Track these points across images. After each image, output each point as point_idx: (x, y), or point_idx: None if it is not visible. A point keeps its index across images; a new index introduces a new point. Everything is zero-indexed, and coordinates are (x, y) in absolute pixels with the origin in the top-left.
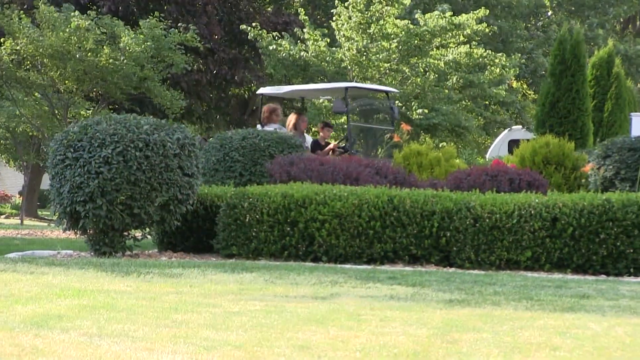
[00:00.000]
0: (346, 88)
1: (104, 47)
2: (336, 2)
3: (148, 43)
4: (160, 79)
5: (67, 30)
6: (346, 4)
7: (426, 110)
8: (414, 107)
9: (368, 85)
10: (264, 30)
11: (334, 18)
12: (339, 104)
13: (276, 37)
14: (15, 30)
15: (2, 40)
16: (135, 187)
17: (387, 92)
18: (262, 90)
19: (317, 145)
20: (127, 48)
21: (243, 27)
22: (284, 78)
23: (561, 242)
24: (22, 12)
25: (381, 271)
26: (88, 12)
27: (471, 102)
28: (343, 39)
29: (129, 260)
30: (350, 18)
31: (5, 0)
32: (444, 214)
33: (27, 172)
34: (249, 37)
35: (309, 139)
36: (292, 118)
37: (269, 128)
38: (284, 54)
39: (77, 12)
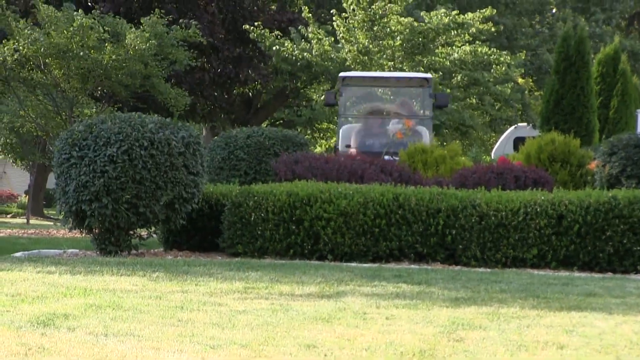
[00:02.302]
0: (344, 77)
1: (107, 45)
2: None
3: (152, 41)
4: (164, 76)
5: (71, 28)
6: (349, 2)
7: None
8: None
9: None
10: (267, 30)
11: (333, 18)
12: (330, 96)
13: (279, 37)
14: (15, 32)
15: (4, 41)
16: (141, 185)
17: (427, 79)
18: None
19: None
20: (133, 45)
21: (246, 27)
22: (287, 75)
23: (567, 239)
24: (24, 11)
25: (387, 269)
26: (91, 11)
27: (476, 99)
28: (344, 40)
29: (135, 259)
30: (354, 15)
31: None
32: (450, 211)
33: (33, 171)
34: (250, 37)
35: (423, 132)
36: None
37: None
38: (286, 54)
39: (80, 11)
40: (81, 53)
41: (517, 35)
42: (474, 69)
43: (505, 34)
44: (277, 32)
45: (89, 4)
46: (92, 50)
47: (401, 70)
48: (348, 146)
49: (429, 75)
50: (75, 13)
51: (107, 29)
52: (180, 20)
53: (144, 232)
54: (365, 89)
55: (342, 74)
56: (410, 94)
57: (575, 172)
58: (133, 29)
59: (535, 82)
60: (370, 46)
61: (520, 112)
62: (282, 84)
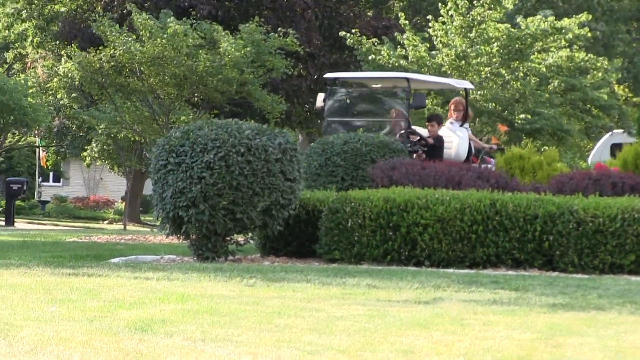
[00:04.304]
0: (335, 79)
1: (201, 51)
2: (439, 5)
3: (247, 48)
4: (261, 83)
5: (165, 36)
6: (447, 8)
7: (529, 116)
8: (516, 112)
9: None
10: (364, 37)
11: (430, 24)
12: (319, 99)
13: (375, 44)
14: (111, 39)
15: (100, 48)
16: (238, 192)
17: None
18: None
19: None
20: (227, 54)
21: (342, 33)
22: None
23: None
24: (121, 16)
25: (484, 275)
26: (186, 17)
27: (572, 106)
28: (441, 44)
29: (232, 265)
30: (452, 22)
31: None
32: (547, 217)
33: (130, 177)
34: (347, 43)
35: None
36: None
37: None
38: (382, 62)
39: (173, 18)
40: (175, 60)
41: (614, 42)
42: (571, 75)
43: (602, 41)
44: (373, 40)
45: (188, 8)
46: (186, 57)
47: (498, 76)
48: None
49: (409, 74)
50: (168, 20)
51: (202, 35)
52: (279, 29)
53: (240, 238)
54: (350, 90)
55: (328, 75)
56: (389, 93)
57: None
58: (228, 36)
59: (632, 89)
60: (469, 50)
61: (617, 119)
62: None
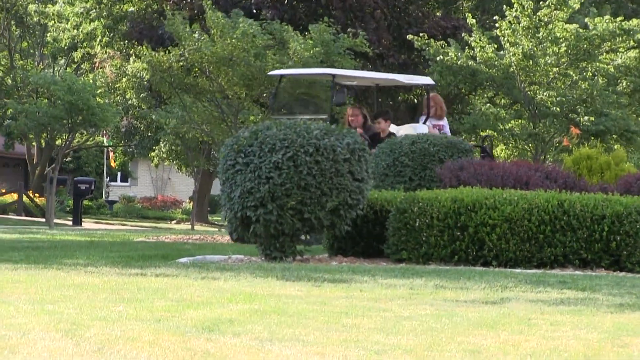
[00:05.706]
0: (281, 76)
1: (269, 52)
2: (504, 7)
3: (317, 49)
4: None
5: (235, 36)
6: (513, 9)
7: (592, 118)
8: (581, 113)
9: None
10: (432, 40)
11: (497, 24)
12: (271, 97)
13: (443, 46)
14: (182, 38)
15: (170, 47)
16: (306, 192)
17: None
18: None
19: (377, 138)
20: (296, 54)
21: (410, 36)
22: (451, 82)
23: None
24: (193, 17)
25: (551, 275)
26: (256, 19)
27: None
28: (508, 44)
29: (300, 265)
30: (518, 23)
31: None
32: (614, 218)
33: (198, 177)
34: (415, 46)
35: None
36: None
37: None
38: (450, 63)
39: (243, 19)
40: (243, 61)
41: None
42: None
43: None
44: (441, 42)
45: (255, 10)
46: (254, 58)
47: (566, 76)
48: None
49: (334, 70)
50: (240, 20)
51: (271, 36)
52: (348, 30)
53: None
54: (292, 87)
55: (274, 72)
56: (316, 89)
57: None
58: (297, 36)
59: None
60: (535, 49)
61: None
62: (446, 90)
